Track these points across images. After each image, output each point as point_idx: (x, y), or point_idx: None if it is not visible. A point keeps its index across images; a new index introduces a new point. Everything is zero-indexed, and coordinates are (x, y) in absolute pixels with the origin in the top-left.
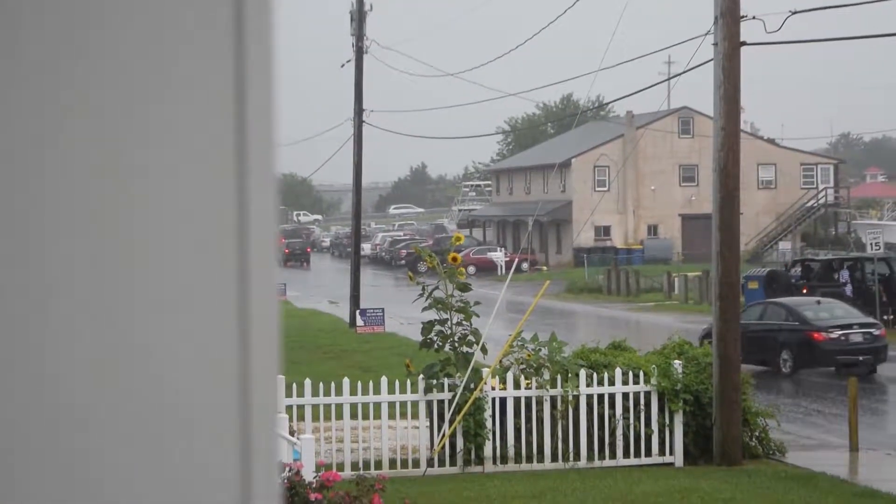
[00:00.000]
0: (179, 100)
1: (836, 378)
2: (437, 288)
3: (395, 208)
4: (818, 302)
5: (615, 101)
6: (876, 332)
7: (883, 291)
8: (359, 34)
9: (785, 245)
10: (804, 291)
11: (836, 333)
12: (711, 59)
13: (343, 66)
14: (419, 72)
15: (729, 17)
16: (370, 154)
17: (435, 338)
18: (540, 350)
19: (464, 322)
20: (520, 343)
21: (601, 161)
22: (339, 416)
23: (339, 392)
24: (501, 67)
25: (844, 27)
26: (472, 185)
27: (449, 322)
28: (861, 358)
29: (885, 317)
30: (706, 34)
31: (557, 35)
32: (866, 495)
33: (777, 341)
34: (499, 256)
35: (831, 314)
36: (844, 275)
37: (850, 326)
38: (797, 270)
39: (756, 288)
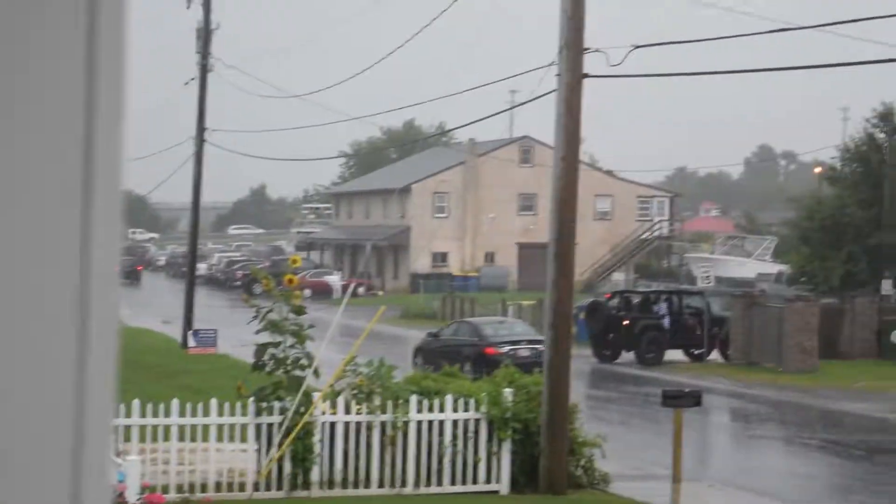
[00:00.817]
0: (28, 113)
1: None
2: (271, 310)
3: (233, 228)
4: (501, 321)
5: (458, 128)
6: (541, 347)
7: (698, 325)
8: (204, 52)
9: (619, 276)
10: (624, 323)
11: (506, 348)
12: (555, 90)
13: (187, 83)
14: (264, 92)
15: (573, 49)
16: (211, 173)
17: (268, 360)
18: (372, 375)
19: (297, 345)
20: (352, 368)
21: (441, 187)
22: (168, 438)
23: (167, 413)
24: (347, 90)
25: (688, 63)
26: (311, 208)
27: (283, 345)
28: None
29: (694, 350)
30: (549, 65)
31: (404, 60)
32: None
33: (461, 354)
34: (336, 280)
35: (510, 331)
36: (662, 308)
37: (519, 342)
38: (616, 302)
39: (582, 318)
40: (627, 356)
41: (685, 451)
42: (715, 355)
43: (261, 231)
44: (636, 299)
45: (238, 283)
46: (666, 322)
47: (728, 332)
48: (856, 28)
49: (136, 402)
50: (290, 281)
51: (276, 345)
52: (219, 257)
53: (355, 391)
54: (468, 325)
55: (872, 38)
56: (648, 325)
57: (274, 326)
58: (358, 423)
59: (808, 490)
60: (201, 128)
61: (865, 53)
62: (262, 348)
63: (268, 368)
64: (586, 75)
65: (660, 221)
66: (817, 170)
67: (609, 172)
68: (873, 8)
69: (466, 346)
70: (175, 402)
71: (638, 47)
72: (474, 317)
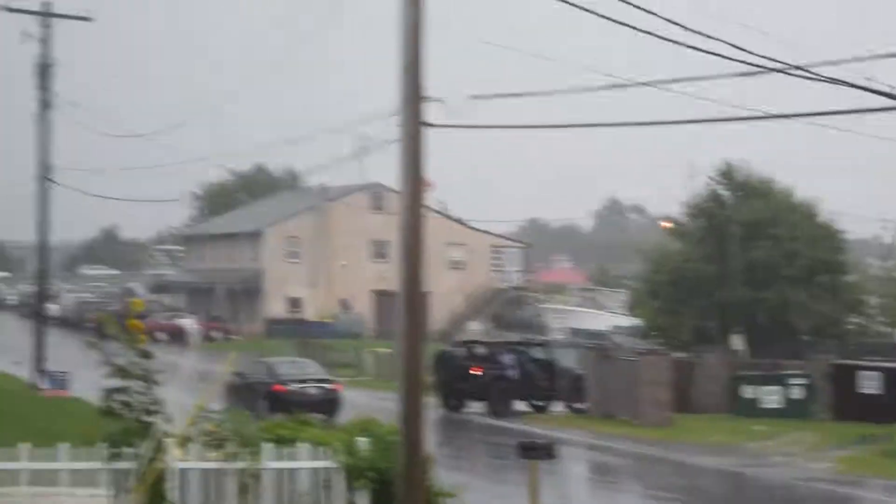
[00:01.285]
0: None
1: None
2: (118, 354)
3: (87, 268)
4: (293, 361)
5: (307, 172)
6: (329, 386)
7: (542, 375)
8: (43, 86)
9: (475, 326)
10: (473, 373)
11: (294, 386)
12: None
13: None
14: (107, 130)
15: (414, 97)
16: (59, 212)
17: (116, 405)
18: (225, 421)
19: (146, 390)
20: (205, 414)
21: (293, 232)
22: (18, 483)
23: (16, 457)
24: (197, 130)
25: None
26: (163, 250)
27: (131, 389)
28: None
29: (536, 402)
30: (392, 114)
31: (256, 100)
32: None
33: (255, 392)
34: (189, 324)
35: (300, 370)
36: (509, 358)
37: (306, 381)
38: (464, 352)
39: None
40: (474, 406)
41: (542, 502)
42: (560, 407)
43: (117, 272)
44: (482, 349)
45: (90, 324)
46: (512, 372)
47: (574, 383)
48: (697, 86)
49: None
50: (134, 325)
51: (125, 389)
52: (70, 298)
53: (209, 438)
54: (263, 365)
55: (712, 95)
56: (498, 375)
57: (121, 371)
58: (212, 470)
59: None
60: (44, 165)
61: (708, 111)
62: (109, 393)
63: (117, 413)
64: (427, 124)
65: (513, 272)
66: (664, 224)
67: (460, 221)
68: (713, 66)
69: (260, 384)
70: (25, 446)
71: (475, 98)
72: (331, 364)
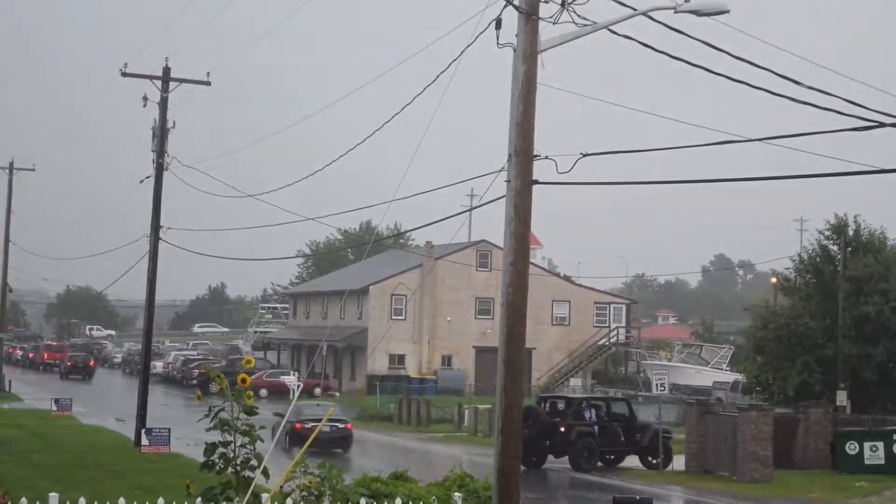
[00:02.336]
0: None
1: None
2: (223, 409)
3: (199, 327)
4: (317, 405)
5: (414, 229)
6: (342, 426)
7: (621, 430)
8: (160, 150)
9: (576, 381)
10: (561, 429)
11: (310, 424)
12: (504, 196)
13: (142, 181)
14: (220, 191)
15: (522, 155)
16: (167, 271)
17: (217, 460)
18: (321, 477)
19: (248, 445)
20: (302, 469)
21: (399, 290)
22: None
23: None
24: (304, 190)
25: (643, 170)
26: (268, 308)
27: (233, 444)
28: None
29: (609, 455)
30: (500, 170)
31: (361, 160)
32: None
33: (285, 429)
34: (292, 380)
35: (321, 412)
36: (590, 413)
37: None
38: (545, 407)
39: None
40: (555, 461)
41: None
42: (635, 462)
43: (226, 330)
44: (563, 404)
45: (194, 381)
46: (595, 428)
47: (653, 438)
48: (805, 141)
49: (81, 500)
50: (243, 380)
51: (227, 444)
52: (175, 355)
53: (304, 493)
54: (296, 408)
55: (825, 151)
56: (584, 431)
57: (224, 425)
58: None
59: None
60: (156, 225)
61: (820, 166)
62: (211, 447)
63: (217, 468)
64: (536, 181)
65: (616, 328)
66: (773, 280)
67: (567, 278)
68: (832, 121)
69: (288, 423)
70: (122, 501)
71: (585, 155)
72: (430, 420)
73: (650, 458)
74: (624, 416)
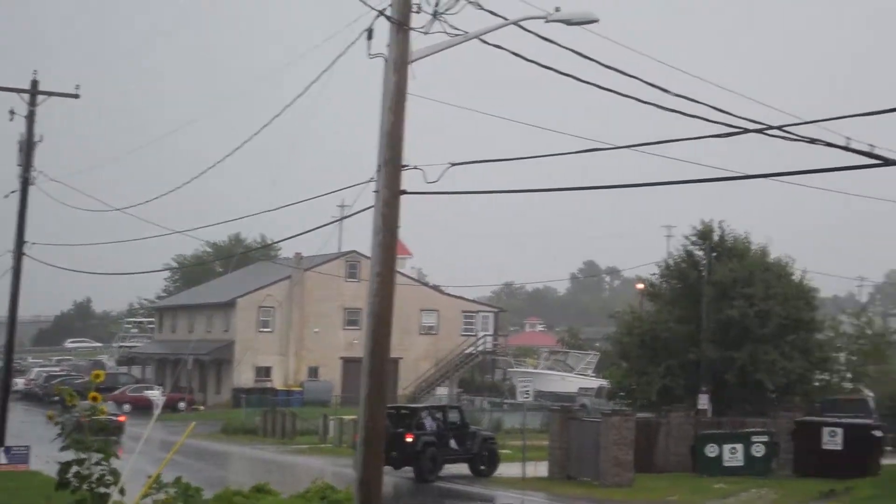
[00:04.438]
0: None
1: None
2: (74, 428)
3: (71, 342)
4: None
5: (282, 240)
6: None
7: (454, 438)
8: (26, 164)
9: (442, 390)
10: (407, 439)
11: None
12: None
13: (7, 196)
14: (84, 205)
15: (391, 165)
16: (32, 287)
17: (72, 478)
18: (178, 493)
19: (103, 462)
20: (156, 486)
21: (267, 301)
22: None
23: None
24: (170, 203)
25: (511, 179)
26: (134, 322)
27: (87, 462)
28: None
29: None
30: (369, 181)
31: (229, 172)
32: None
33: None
34: (156, 395)
35: None
36: (430, 422)
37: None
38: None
39: None
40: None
41: None
42: (465, 470)
43: (98, 344)
44: (407, 414)
45: (56, 398)
46: (438, 437)
47: (482, 446)
48: (678, 148)
49: None
50: (94, 398)
51: (81, 462)
52: (38, 372)
53: None
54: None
55: (693, 158)
56: (429, 441)
57: (78, 443)
58: None
59: None
60: (20, 241)
61: (686, 172)
62: (66, 466)
63: (72, 486)
64: (404, 192)
65: (484, 336)
66: (639, 286)
67: (436, 287)
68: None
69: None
70: None
71: (454, 165)
72: (295, 432)
73: (480, 466)
74: (457, 423)
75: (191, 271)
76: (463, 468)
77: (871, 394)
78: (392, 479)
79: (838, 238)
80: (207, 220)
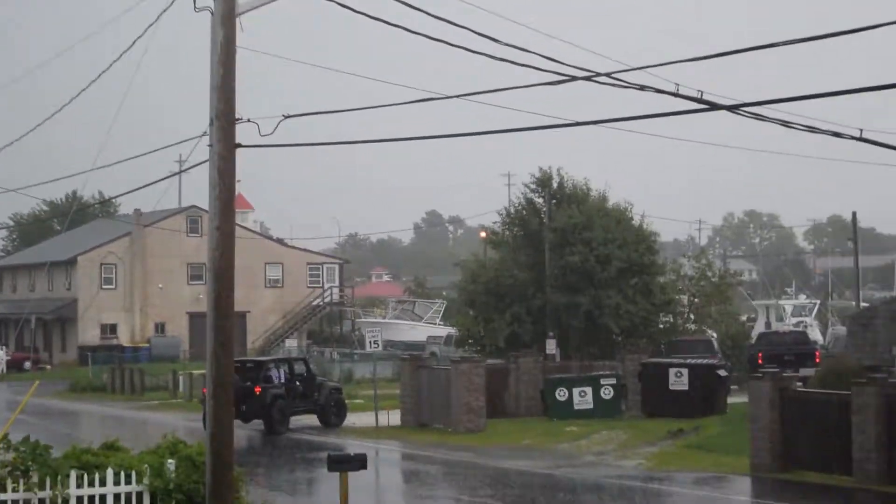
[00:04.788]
0: None
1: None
2: None
3: None
4: None
5: (120, 195)
6: None
7: (302, 390)
8: None
9: (292, 342)
10: (256, 391)
11: None
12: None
13: None
14: None
15: (224, 119)
16: None
17: None
18: (26, 452)
19: None
20: (3, 445)
21: (108, 259)
22: None
23: None
24: (6, 163)
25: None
26: None
27: None
28: None
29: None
30: (203, 135)
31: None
32: None
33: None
34: (0, 355)
35: None
36: (278, 374)
37: None
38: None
39: None
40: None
41: None
42: (315, 421)
43: None
44: (254, 367)
45: None
46: (281, 389)
47: (329, 396)
48: (509, 96)
49: None
50: None
51: None
52: None
53: (10, 469)
54: None
55: (527, 107)
56: (277, 393)
57: None
58: (15, 502)
59: None
60: None
61: (524, 120)
62: None
63: None
64: (239, 145)
65: (330, 288)
66: (482, 234)
67: (279, 240)
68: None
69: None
70: None
71: (288, 117)
72: (144, 389)
73: (327, 416)
74: (303, 375)
75: (28, 230)
76: (314, 420)
77: (714, 334)
78: (244, 432)
79: (677, 183)
80: (44, 179)
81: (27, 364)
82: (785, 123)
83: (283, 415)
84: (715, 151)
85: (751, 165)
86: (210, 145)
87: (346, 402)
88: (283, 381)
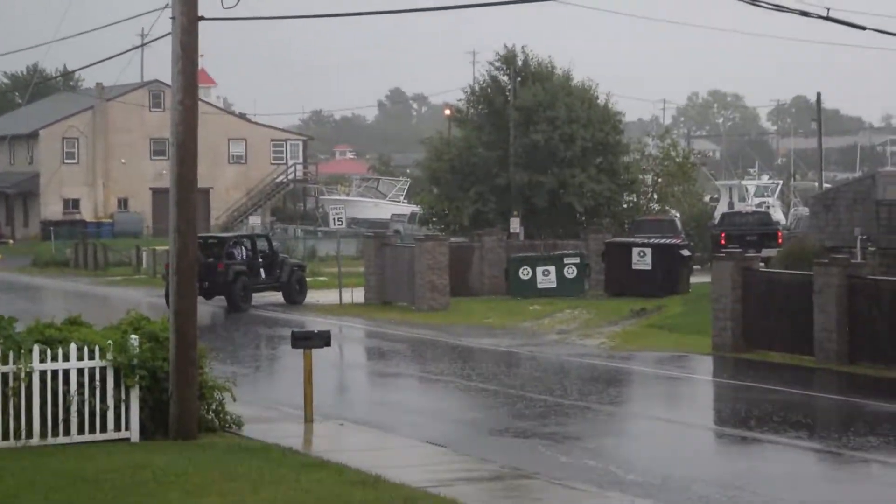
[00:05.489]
0: None
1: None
2: None
3: None
4: None
5: (82, 68)
6: None
7: (264, 267)
8: None
9: (255, 219)
10: (219, 268)
11: None
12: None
13: None
14: None
15: None
16: None
17: None
18: None
19: None
20: None
21: (70, 133)
22: None
23: None
24: None
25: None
26: None
27: None
28: None
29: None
30: (165, 7)
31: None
32: (314, 465)
33: None
34: None
35: None
36: (240, 251)
37: None
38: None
39: None
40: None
41: (319, 391)
42: (278, 297)
43: None
44: (216, 244)
45: None
46: (248, 266)
47: (292, 274)
48: None
49: None
50: None
51: None
52: None
53: None
54: None
55: None
56: (240, 270)
57: None
58: None
59: (436, 424)
60: None
61: None
62: None
63: None
64: (202, 18)
65: (294, 165)
66: (446, 112)
67: (242, 116)
68: None
69: None
70: None
71: None
72: (108, 264)
73: (290, 293)
74: (266, 252)
75: None
76: (278, 297)
77: (677, 214)
78: (208, 308)
79: (642, 64)
80: (4, 50)
81: None
82: (753, 2)
83: (245, 292)
84: (680, 30)
85: (716, 45)
86: (173, 17)
87: (310, 279)
88: (245, 258)
